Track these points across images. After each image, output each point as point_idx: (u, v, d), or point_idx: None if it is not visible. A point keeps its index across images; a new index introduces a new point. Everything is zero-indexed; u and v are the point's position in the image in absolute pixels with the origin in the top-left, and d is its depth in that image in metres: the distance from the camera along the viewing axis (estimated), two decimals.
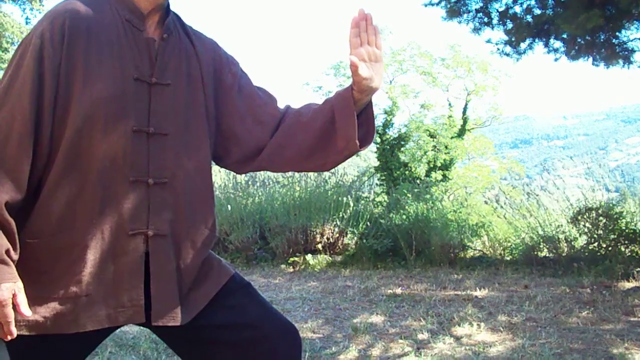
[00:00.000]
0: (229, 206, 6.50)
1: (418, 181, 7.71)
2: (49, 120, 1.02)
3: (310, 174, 6.85)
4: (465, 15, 5.84)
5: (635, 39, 5.46)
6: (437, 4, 5.93)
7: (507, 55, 6.01)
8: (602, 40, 5.30)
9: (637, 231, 4.95)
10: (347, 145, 1.16)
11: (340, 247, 5.86)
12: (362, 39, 1.12)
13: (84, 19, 1.05)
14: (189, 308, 1.13)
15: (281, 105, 1.28)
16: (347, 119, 1.14)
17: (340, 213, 5.91)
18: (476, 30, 5.91)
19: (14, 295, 0.96)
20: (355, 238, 5.86)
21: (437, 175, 16.14)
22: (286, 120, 1.22)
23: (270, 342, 1.17)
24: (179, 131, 1.12)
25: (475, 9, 5.81)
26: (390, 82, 18.23)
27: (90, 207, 1.03)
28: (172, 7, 1.17)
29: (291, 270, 5.51)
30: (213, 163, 1.26)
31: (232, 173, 6.59)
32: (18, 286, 0.97)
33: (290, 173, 7.06)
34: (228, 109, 1.21)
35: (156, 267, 1.09)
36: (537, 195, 6.09)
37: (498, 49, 6.00)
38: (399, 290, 4.35)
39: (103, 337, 1.15)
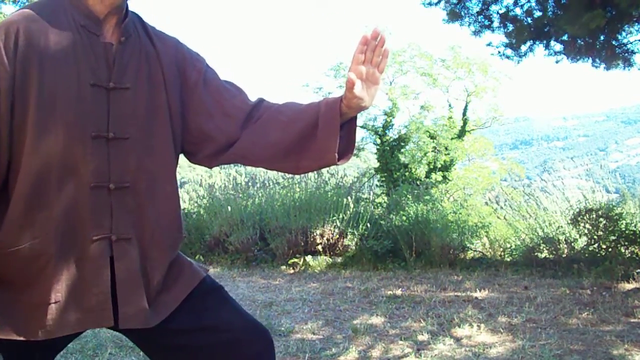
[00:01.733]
0: (229, 207, 6.50)
1: (418, 182, 7.70)
2: (6, 132, 1.01)
3: (310, 175, 6.85)
4: (466, 19, 5.85)
5: (635, 40, 5.47)
6: (437, 4, 5.94)
7: (508, 57, 6.02)
8: (602, 41, 5.30)
9: (637, 232, 4.94)
10: (324, 155, 1.15)
11: (340, 248, 5.86)
12: (367, 57, 1.10)
13: (38, 27, 1.04)
14: (158, 310, 1.14)
15: (252, 98, 1.26)
16: (330, 129, 1.13)
17: (340, 214, 5.91)
18: (477, 33, 5.91)
19: None
20: (355, 239, 5.86)
21: (437, 176, 16.15)
22: (264, 116, 1.20)
23: (242, 345, 1.18)
24: (140, 134, 1.11)
25: (477, 12, 5.82)
26: (391, 83, 18.24)
27: (53, 215, 1.04)
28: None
29: (291, 271, 5.51)
30: (186, 160, 1.26)
31: (232, 174, 6.59)
32: None
33: (290, 174, 7.05)
34: (195, 106, 1.19)
35: (122, 271, 1.09)
36: (537, 196, 6.09)
37: (499, 52, 6.01)
38: (399, 292, 4.35)
39: (71, 340, 1.16)
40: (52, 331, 1.05)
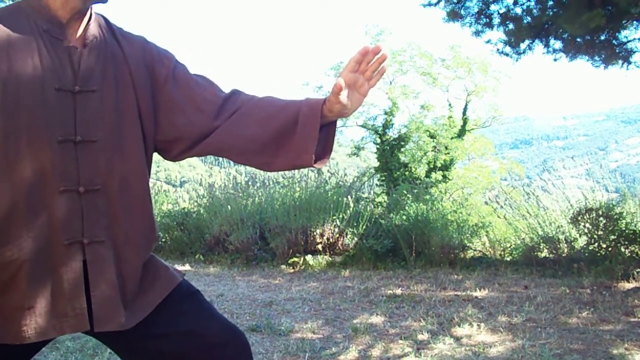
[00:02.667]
0: (229, 206, 6.50)
1: (418, 181, 7.71)
2: None
3: (310, 174, 6.85)
4: (467, 19, 5.85)
5: (634, 39, 5.46)
6: (436, 4, 5.94)
7: (507, 55, 6.02)
8: (601, 40, 5.30)
9: (637, 232, 4.94)
10: (300, 155, 1.14)
11: (340, 247, 5.86)
12: (362, 67, 1.09)
13: (0, 34, 1.04)
14: (134, 313, 1.13)
15: (226, 90, 1.25)
16: (310, 129, 1.13)
17: (340, 213, 5.91)
18: (477, 33, 5.92)
19: None
20: (355, 238, 5.86)
21: (437, 175, 16.16)
22: (242, 109, 1.20)
23: (218, 349, 1.18)
24: (109, 136, 1.11)
25: (477, 12, 5.82)
26: (391, 82, 18.25)
27: (24, 220, 1.03)
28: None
29: (291, 270, 5.51)
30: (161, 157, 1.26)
31: (232, 173, 6.59)
32: None
33: (290, 173, 7.06)
34: (166, 103, 1.19)
35: (95, 274, 1.09)
36: (537, 195, 6.09)
37: (497, 49, 6.01)
38: (399, 291, 4.35)
39: (45, 344, 1.16)
40: (27, 336, 1.04)
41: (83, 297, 1.07)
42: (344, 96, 1.09)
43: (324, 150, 1.18)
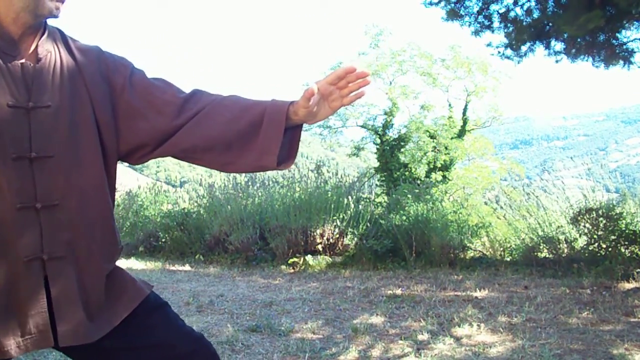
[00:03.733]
0: (229, 207, 6.50)
1: (418, 182, 7.71)
2: None
3: (310, 174, 6.85)
4: (466, 18, 5.85)
5: (635, 39, 5.46)
6: (437, 4, 5.94)
7: (508, 58, 6.02)
8: (602, 40, 5.30)
9: (637, 232, 4.94)
10: (263, 156, 1.14)
11: (340, 247, 5.86)
12: (341, 84, 1.09)
13: None
14: (99, 326, 1.13)
15: (187, 90, 1.24)
16: (274, 130, 1.12)
17: (340, 214, 5.91)
18: (477, 33, 5.91)
19: None
20: (355, 239, 5.86)
21: (437, 175, 16.15)
22: (206, 109, 1.18)
23: None
24: (66, 151, 1.10)
25: (477, 11, 5.81)
26: (391, 82, 18.24)
27: None
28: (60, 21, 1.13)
29: (291, 271, 5.51)
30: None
31: (232, 174, 6.58)
32: None
33: (290, 173, 7.06)
34: (126, 111, 1.18)
35: (57, 290, 1.08)
36: (537, 196, 6.09)
37: (499, 52, 6.01)
38: (399, 291, 4.35)
39: None
40: None
41: (46, 313, 1.07)
42: (313, 102, 1.09)
43: (288, 154, 1.18)
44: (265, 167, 1.16)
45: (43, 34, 1.12)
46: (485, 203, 6.90)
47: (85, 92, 1.14)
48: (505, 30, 5.81)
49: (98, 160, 1.14)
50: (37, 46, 1.11)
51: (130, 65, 1.23)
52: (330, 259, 5.70)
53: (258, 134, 1.14)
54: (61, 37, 1.17)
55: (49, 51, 1.12)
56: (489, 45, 6.09)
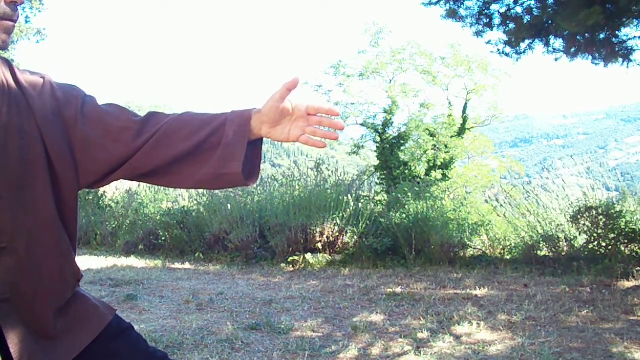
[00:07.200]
0: (229, 205, 6.50)
1: (418, 180, 7.71)
2: None
3: (310, 172, 6.85)
4: (468, 20, 5.85)
5: (634, 37, 5.46)
6: (437, 3, 5.93)
7: (507, 55, 6.02)
8: (601, 38, 5.29)
9: (637, 230, 4.94)
10: (227, 163, 1.10)
11: (340, 246, 5.86)
12: (315, 119, 1.10)
13: None
14: (59, 356, 1.11)
15: (142, 113, 1.21)
16: (238, 136, 1.09)
17: (340, 212, 5.91)
18: (478, 34, 5.91)
19: None
20: (355, 237, 5.86)
21: (437, 174, 16.15)
22: (163, 128, 1.15)
23: None
24: (14, 192, 1.06)
25: (477, 12, 5.81)
26: (390, 81, 18.23)
27: None
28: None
29: (291, 269, 5.51)
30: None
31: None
32: None
33: (290, 171, 7.06)
34: (81, 142, 1.14)
35: (9, 331, 1.07)
36: (536, 194, 6.10)
37: (498, 49, 6.01)
38: (398, 289, 4.35)
39: None
40: None
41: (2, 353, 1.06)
42: (287, 106, 1.07)
43: (250, 172, 1.14)
44: (228, 175, 1.11)
45: None
46: (485, 201, 6.91)
47: (35, 128, 1.08)
48: (505, 28, 5.81)
49: (49, 200, 1.10)
50: None
51: (81, 94, 1.18)
52: (330, 257, 5.70)
53: (219, 144, 1.10)
54: (10, 71, 1.11)
55: None
56: (488, 42, 6.10)
